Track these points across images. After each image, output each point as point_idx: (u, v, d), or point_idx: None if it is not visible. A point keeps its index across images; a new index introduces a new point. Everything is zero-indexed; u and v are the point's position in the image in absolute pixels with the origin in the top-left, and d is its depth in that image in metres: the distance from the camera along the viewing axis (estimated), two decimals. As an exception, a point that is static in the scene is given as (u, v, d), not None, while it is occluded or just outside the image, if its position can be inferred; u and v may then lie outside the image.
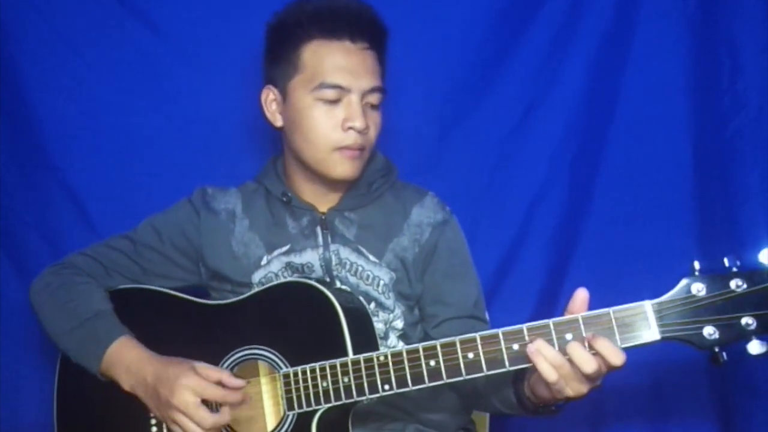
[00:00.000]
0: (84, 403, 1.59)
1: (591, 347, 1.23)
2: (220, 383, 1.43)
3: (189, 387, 1.41)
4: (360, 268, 1.59)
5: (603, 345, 1.22)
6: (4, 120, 1.92)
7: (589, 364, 1.22)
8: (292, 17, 1.57)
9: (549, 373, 1.24)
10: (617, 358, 1.22)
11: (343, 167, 1.56)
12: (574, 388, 1.26)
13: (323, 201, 1.62)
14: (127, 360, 1.48)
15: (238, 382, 1.43)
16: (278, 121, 1.61)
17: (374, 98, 1.57)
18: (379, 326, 1.57)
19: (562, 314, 1.28)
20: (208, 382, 1.42)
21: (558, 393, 1.27)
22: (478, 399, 1.53)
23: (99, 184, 1.93)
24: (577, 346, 1.23)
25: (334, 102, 1.53)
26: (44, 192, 1.94)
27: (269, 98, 1.61)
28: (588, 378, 1.24)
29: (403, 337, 1.61)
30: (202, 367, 1.44)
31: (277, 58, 1.58)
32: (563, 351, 1.24)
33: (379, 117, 1.59)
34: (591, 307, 1.91)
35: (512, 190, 1.96)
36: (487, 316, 1.66)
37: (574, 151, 1.95)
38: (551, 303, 1.94)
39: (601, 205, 1.95)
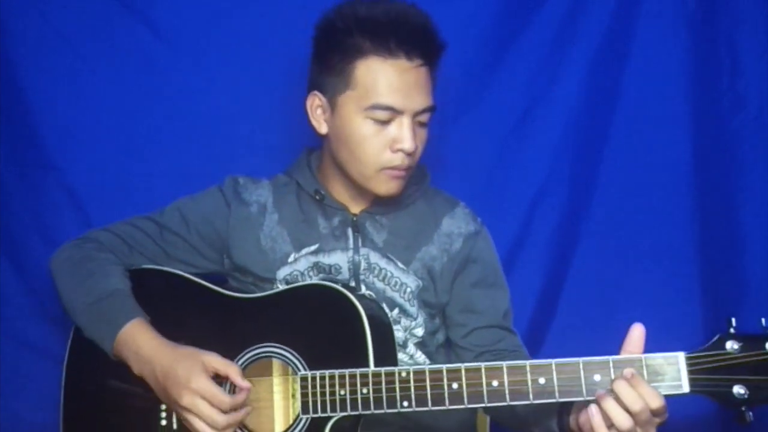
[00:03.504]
0: (91, 394, 1.58)
1: (632, 386, 1.23)
2: (227, 378, 1.42)
3: (198, 392, 1.38)
4: (388, 274, 1.58)
5: (641, 385, 1.23)
6: (4, 120, 1.91)
7: (637, 403, 1.22)
8: (345, 27, 1.51)
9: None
10: (655, 401, 1.22)
11: (387, 186, 1.54)
12: None
13: (355, 202, 1.61)
14: (137, 345, 1.46)
15: (243, 383, 1.41)
16: (323, 129, 1.58)
17: (425, 117, 1.54)
18: (399, 334, 1.57)
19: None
20: (215, 389, 1.39)
21: None
22: (515, 421, 1.51)
23: (98, 184, 1.92)
24: (624, 384, 1.23)
25: (386, 122, 1.50)
26: (43, 192, 1.93)
27: (315, 104, 1.57)
28: (637, 422, 1.23)
29: (421, 345, 1.60)
30: (212, 360, 1.41)
31: (328, 68, 1.53)
32: (591, 392, 1.25)
33: (425, 134, 1.56)
34: (593, 306, 1.93)
35: (512, 190, 1.96)
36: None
37: (574, 151, 1.95)
38: (551, 303, 1.95)
39: (601, 205, 1.95)
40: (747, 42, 1.82)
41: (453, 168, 1.94)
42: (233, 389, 1.43)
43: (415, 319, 1.59)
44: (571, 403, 1.30)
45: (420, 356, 1.60)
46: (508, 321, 1.64)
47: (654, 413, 1.23)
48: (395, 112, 1.50)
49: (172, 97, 1.94)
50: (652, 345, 1.29)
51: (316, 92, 1.57)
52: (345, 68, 1.51)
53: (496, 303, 1.63)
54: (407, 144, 1.50)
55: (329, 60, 1.53)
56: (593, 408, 1.24)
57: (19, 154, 1.92)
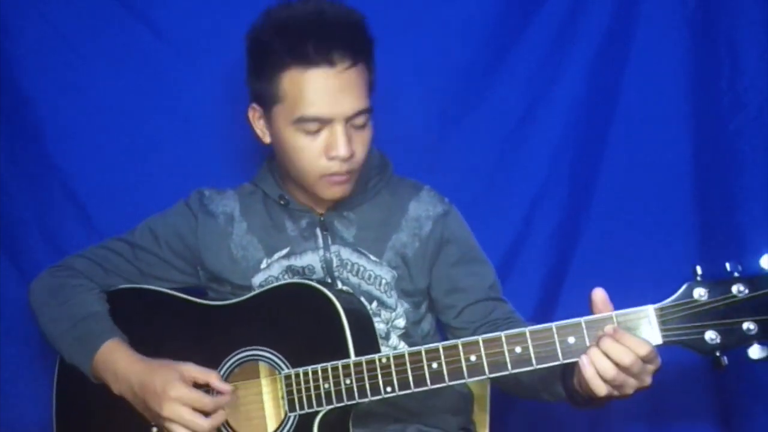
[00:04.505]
0: (83, 402, 1.59)
1: (617, 341, 1.23)
2: (207, 385, 1.43)
3: (178, 399, 1.40)
4: (361, 268, 1.59)
5: (625, 337, 1.23)
6: (4, 120, 1.92)
7: (626, 356, 1.22)
8: (266, 41, 1.50)
9: (600, 389, 1.24)
10: (642, 348, 1.22)
11: (331, 191, 1.54)
12: (620, 390, 1.26)
13: (321, 202, 1.61)
14: (115, 365, 1.48)
15: (225, 386, 1.43)
16: (267, 138, 1.58)
17: (360, 120, 1.50)
18: (380, 326, 1.57)
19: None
20: (196, 393, 1.41)
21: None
22: (523, 390, 1.51)
23: (99, 184, 1.93)
24: (609, 341, 1.23)
25: (317, 131, 1.49)
26: (44, 192, 1.94)
27: (255, 116, 1.58)
28: (630, 374, 1.24)
29: (405, 336, 1.60)
30: (189, 369, 1.43)
31: (259, 81, 1.53)
32: (568, 355, 1.26)
33: (367, 134, 1.53)
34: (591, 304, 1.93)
35: (513, 190, 1.96)
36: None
37: (574, 152, 1.95)
38: (552, 303, 1.95)
39: (601, 205, 1.95)
40: (747, 42, 1.82)
41: (454, 168, 1.94)
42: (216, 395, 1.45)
43: (395, 310, 1.60)
44: (574, 364, 1.30)
45: (403, 348, 1.59)
46: (496, 291, 1.64)
47: (644, 360, 1.23)
48: (323, 121, 1.48)
49: (172, 96, 1.94)
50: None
51: (254, 104, 1.57)
52: (272, 81, 1.49)
53: (480, 277, 1.63)
54: (341, 151, 1.48)
55: (259, 73, 1.53)
56: (584, 359, 1.25)
57: (20, 155, 1.93)
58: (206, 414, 1.41)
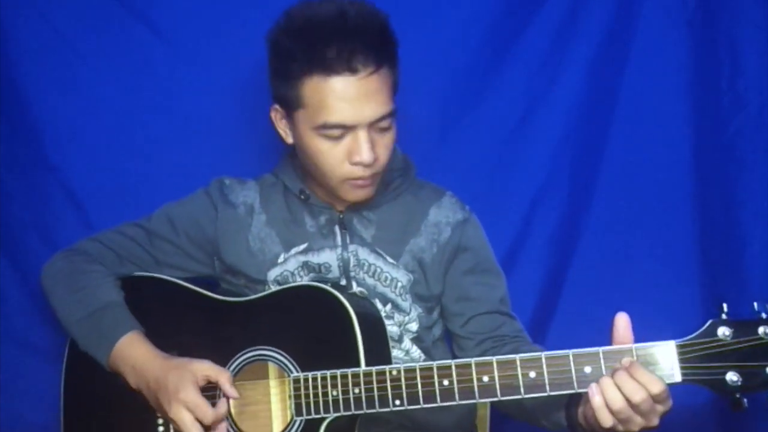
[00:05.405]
0: (91, 397, 1.58)
1: (631, 375, 1.21)
2: (217, 384, 1.43)
3: (184, 402, 1.39)
4: (378, 270, 1.58)
5: (639, 372, 1.21)
6: (4, 120, 1.91)
7: (638, 392, 1.20)
8: (286, 44, 1.46)
9: (606, 419, 1.22)
10: (655, 386, 1.20)
11: (355, 194, 1.53)
12: (625, 425, 1.23)
13: (341, 200, 1.59)
14: (133, 358, 1.47)
15: (231, 391, 1.41)
16: (290, 138, 1.56)
17: (384, 124, 1.48)
18: (393, 329, 1.57)
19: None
20: (201, 402, 1.39)
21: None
22: (522, 414, 1.50)
23: (98, 184, 1.93)
24: (623, 375, 1.21)
25: (340, 137, 1.47)
26: (43, 192, 1.93)
27: (278, 116, 1.56)
28: (638, 411, 1.22)
29: (417, 340, 1.60)
30: (204, 368, 1.42)
31: (282, 84, 1.50)
32: (583, 385, 1.24)
33: (390, 136, 1.51)
34: (590, 307, 1.93)
35: (512, 191, 1.96)
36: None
37: (574, 152, 1.95)
38: (551, 303, 1.95)
39: (601, 205, 1.95)
40: (747, 42, 1.82)
41: (454, 168, 1.94)
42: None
43: (408, 314, 1.59)
44: (580, 395, 1.29)
45: (415, 351, 1.60)
46: (506, 306, 1.64)
47: (655, 399, 1.21)
48: (347, 127, 1.46)
49: (172, 96, 1.94)
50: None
51: (277, 105, 1.55)
52: (294, 86, 1.47)
53: (491, 289, 1.63)
54: (364, 156, 1.46)
55: (280, 77, 1.50)
56: (594, 387, 1.23)
57: (19, 154, 1.92)
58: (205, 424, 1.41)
